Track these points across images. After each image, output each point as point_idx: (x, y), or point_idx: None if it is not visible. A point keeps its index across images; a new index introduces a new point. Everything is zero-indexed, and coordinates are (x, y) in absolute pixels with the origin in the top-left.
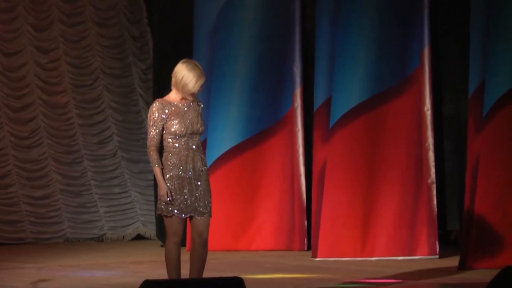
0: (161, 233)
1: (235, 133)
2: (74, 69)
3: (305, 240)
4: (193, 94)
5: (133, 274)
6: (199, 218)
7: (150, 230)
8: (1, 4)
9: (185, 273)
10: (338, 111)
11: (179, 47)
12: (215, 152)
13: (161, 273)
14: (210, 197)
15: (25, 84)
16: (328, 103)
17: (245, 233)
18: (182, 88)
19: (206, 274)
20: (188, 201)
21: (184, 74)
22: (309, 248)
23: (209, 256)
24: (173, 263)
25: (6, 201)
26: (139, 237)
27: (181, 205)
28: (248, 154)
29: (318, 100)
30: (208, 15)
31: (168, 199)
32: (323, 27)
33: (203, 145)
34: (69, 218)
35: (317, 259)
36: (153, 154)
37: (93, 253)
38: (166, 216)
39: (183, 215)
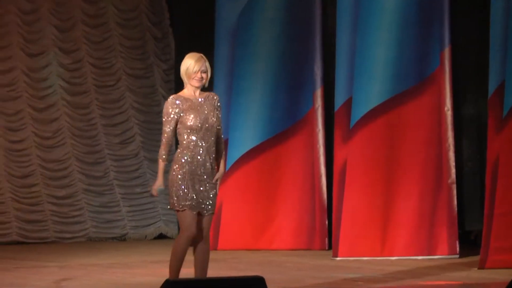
0: None
1: (256, 133)
2: (97, 70)
3: (326, 239)
4: (200, 80)
5: (154, 274)
6: (204, 215)
7: (172, 230)
8: (25, 6)
9: (188, 272)
10: (359, 111)
11: (201, 47)
12: (236, 151)
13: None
14: (216, 195)
15: (48, 85)
16: (348, 103)
17: (266, 232)
18: (186, 75)
19: (228, 273)
20: (199, 198)
21: (184, 62)
22: (329, 247)
23: (229, 255)
24: (179, 257)
25: (29, 200)
26: (161, 237)
27: (193, 201)
28: (269, 154)
29: (339, 100)
30: (229, 16)
31: (153, 194)
32: (343, 27)
33: (225, 144)
34: (92, 218)
35: (338, 258)
36: (162, 149)
37: (115, 253)
38: (178, 211)
39: (193, 211)
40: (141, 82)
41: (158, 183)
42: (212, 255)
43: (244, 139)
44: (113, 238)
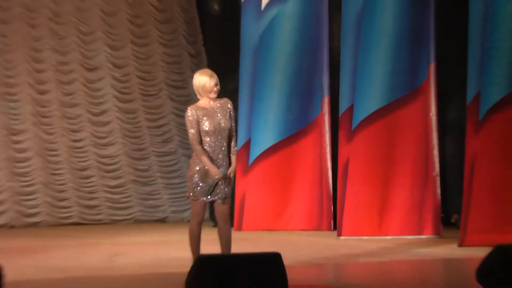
0: (213, 216)
1: (273, 134)
2: (143, 82)
3: (332, 222)
4: (216, 92)
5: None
6: (221, 203)
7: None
8: (83, 28)
9: (214, 248)
10: (359, 116)
11: (228, 63)
12: (257, 149)
13: (213, 249)
14: (231, 186)
15: (103, 94)
16: (351, 109)
17: (282, 216)
18: (202, 90)
19: (249, 250)
20: (213, 191)
21: (199, 79)
22: (334, 228)
23: (252, 235)
24: (195, 238)
25: (87, 189)
26: None
27: (206, 194)
28: (284, 151)
29: (343, 106)
30: (252, 37)
31: (220, 177)
32: (347, 45)
33: (247, 144)
34: (138, 203)
35: (342, 237)
36: (198, 148)
37: (157, 232)
38: (193, 200)
39: (206, 199)
40: (179, 92)
41: (215, 169)
42: (238, 234)
43: (264, 138)
44: (155, 221)
